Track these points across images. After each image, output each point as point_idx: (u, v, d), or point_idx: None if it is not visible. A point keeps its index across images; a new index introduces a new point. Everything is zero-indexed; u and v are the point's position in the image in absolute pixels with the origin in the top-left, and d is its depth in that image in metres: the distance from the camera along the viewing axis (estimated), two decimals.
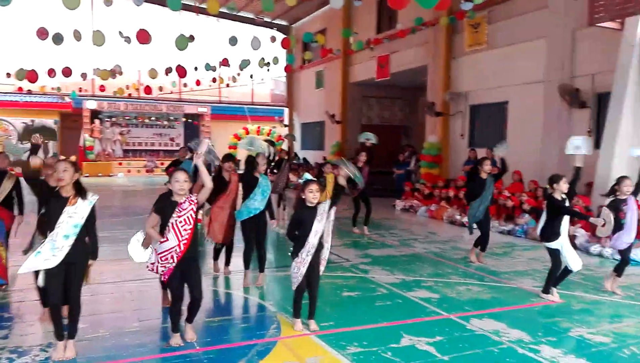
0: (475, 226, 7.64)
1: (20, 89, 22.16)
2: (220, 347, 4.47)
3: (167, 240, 4.31)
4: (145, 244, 4.71)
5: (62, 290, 4.10)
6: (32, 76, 14.08)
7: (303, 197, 4.84)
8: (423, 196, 13.40)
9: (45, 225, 4.18)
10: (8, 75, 17.66)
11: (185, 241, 4.32)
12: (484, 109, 13.99)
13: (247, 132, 26.60)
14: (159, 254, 4.34)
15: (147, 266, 4.49)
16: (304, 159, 22.84)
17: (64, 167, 4.07)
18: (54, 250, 4.00)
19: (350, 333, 4.78)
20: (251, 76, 22.61)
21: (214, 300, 5.91)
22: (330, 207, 4.86)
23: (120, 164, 25.12)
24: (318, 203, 4.81)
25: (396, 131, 21.13)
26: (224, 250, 6.78)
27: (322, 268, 4.92)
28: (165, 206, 4.41)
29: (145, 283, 6.14)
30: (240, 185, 6.36)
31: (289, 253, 4.93)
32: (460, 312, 5.43)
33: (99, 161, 24.64)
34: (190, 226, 4.34)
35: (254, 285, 6.32)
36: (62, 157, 4.41)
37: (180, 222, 4.32)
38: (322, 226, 4.78)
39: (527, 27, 12.13)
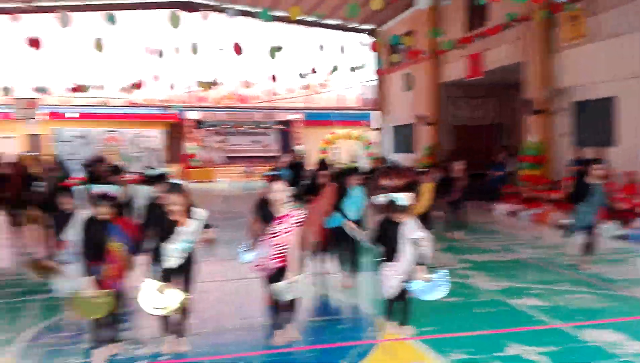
0: (577, 230, 7.17)
1: (131, 102, 24.11)
2: (321, 347, 4.56)
3: (266, 250, 4.44)
4: (253, 247, 4.92)
5: None
6: (140, 86, 15.27)
7: (388, 210, 4.72)
8: (524, 199, 12.75)
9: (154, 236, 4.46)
10: (121, 89, 19.25)
11: (278, 261, 4.41)
12: (589, 106, 13.05)
13: (337, 138, 26.92)
14: (260, 258, 4.51)
15: (253, 266, 4.68)
16: (395, 162, 22.66)
17: (174, 201, 4.26)
18: (165, 256, 4.29)
19: (451, 340, 4.68)
20: (340, 82, 22.88)
21: (315, 301, 6.04)
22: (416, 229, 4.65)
23: (220, 170, 26.42)
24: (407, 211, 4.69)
25: (488, 131, 20.32)
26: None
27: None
28: (264, 214, 4.56)
29: (249, 281, 6.40)
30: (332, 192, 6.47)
31: (375, 258, 4.93)
32: (571, 322, 5.11)
33: (201, 168, 26.11)
34: (284, 247, 4.41)
35: (349, 287, 6.39)
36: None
37: (275, 241, 4.40)
38: (410, 249, 4.63)
39: (636, 16, 11.16)
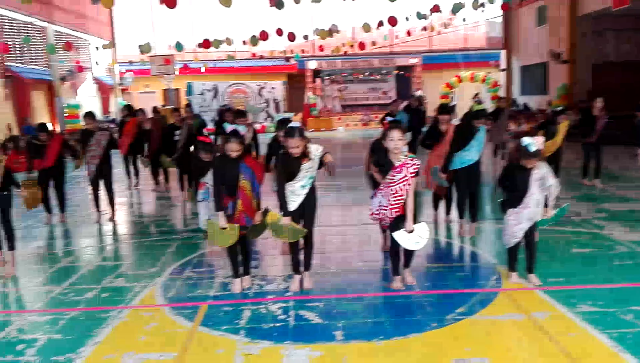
0: None
1: (254, 55, 25.00)
2: (440, 292, 4.55)
3: (384, 198, 4.44)
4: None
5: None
6: (264, 35, 15.65)
7: (517, 156, 4.48)
8: None
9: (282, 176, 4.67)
10: (244, 42, 19.97)
11: (396, 210, 4.40)
12: None
13: (460, 81, 25.63)
14: (378, 205, 4.53)
15: (370, 214, 4.74)
16: (525, 105, 21.12)
17: (296, 144, 4.40)
18: (292, 195, 4.51)
19: (581, 292, 4.39)
20: (464, 20, 21.51)
21: (434, 248, 6.00)
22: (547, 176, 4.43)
23: (339, 119, 26.70)
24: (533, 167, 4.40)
25: (637, 68, 17.98)
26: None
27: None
28: (381, 159, 4.51)
29: (367, 227, 6.51)
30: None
31: (498, 201, 4.71)
32: None
33: (321, 117, 26.59)
34: (402, 197, 4.36)
35: (470, 234, 6.23)
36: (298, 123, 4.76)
37: (392, 190, 4.36)
38: (540, 195, 4.43)
39: None
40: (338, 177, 10.20)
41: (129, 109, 10.97)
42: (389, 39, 24.40)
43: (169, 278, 5.19)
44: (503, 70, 25.60)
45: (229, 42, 18.94)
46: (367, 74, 27.77)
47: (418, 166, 4.42)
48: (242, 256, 4.79)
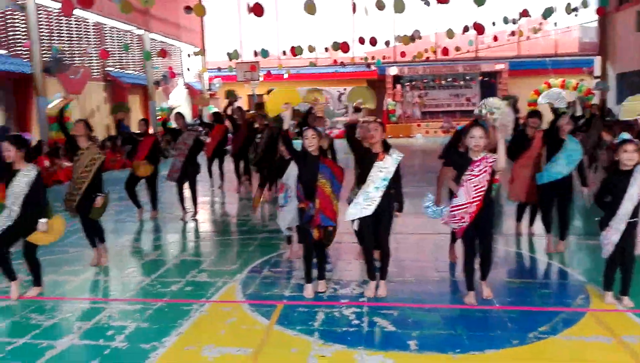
0: None
1: (335, 61, 25.28)
2: (522, 309, 4.36)
3: (457, 196, 4.35)
4: (437, 201, 4.89)
5: (374, 236, 4.63)
6: (345, 47, 15.83)
7: (617, 159, 4.23)
8: None
9: (359, 178, 4.74)
10: (326, 49, 20.24)
11: (477, 203, 4.29)
12: None
13: (549, 87, 24.39)
14: (451, 209, 4.43)
15: (442, 220, 4.65)
16: (609, 111, 19.71)
17: (375, 127, 4.49)
18: (367, 200, 4.52)
19: None
20: (555, 25, 20.48)
21: (516, 262, 5.77)
22: None
23: (419, 125, 26.33)
24: (636, 164, 4.14)
25: None
26: (527, 210, 6.52)
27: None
28: (458, 160, 4.45)
29: (443, 236, 6.38)
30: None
31: (597, 219, 4.43)
32: None
33: (400, 124, 26.36)
34: (483, 188, 4.27)
35: (558, 250, 5.90)
36: (373, 118, 4.86)
37: (473, 183, 4.28)
38: (638, 191, 4.13)
39: None
40: (415, 184, 10.09)
41: (216, 116, 11.48)
42: (474, 44, 23.72)
43: (248, 275, 5.37)
44: (597, 77, 24.08)
45: (311, 49, 19.29)
46: (449, 80, 27.20)
47: (494, 160, 4.28)
48: (317, 259, 4.85)
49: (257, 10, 12.48)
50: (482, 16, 15.91)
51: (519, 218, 6.64)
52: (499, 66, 26.20)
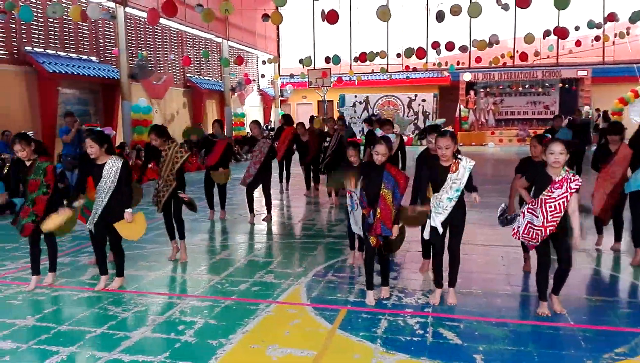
0: None
1: (407, 67, 25.06)
2: (598, 328, 4.11)
3: (536, 216, 4.18)
4: (510, 211, 4.73)
5: (443, 245, 4.56)
6: (420, 54, 15.67)
7: None
8: None
9: (425, 188, 4.65)
10: (398, 55, 20.10)
11: (551, 228, 4.12)
12: None
13: (637, 96, 22.82)
14: (526, 225, 4.26)
15: (513, 233, 4.49)
16: None
17: (447, 145, 4.38)
18: (438, 208, 4.45)
19: None
20: None
21: (594, 278, 5.45)
22: None
23: (492, 133, 25.52)
24: None
25: None
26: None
27: None
28: (537, 175, 4.26)
29: (515, 249, 6.14)
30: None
31: None
32: None
33: (472, 131, 25.67)
34: (560, 215, 4.09)
35: None
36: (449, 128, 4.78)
37: (550, 206, 4.10)
38: None
39: None
40: (486, 195, 9.77)
41: (286, 119, 11.75)
42: (555, 49, 22.67)
43: (312, 279, 5.43)
44: None
45: (383, 55, 19.24)
46: (527, 86, 26.15)
47: (580, 183, 4.08)
48: (380, 266, 4.83)
49: (332, 17, 12.63)
50: (564, 20, 15.19)
51: (599, 230, 6.31)
52: (581, 73, 24.86)
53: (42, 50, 13.43)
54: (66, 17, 13.60)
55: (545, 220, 4.13)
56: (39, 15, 13.04)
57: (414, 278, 5.46)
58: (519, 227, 4.39)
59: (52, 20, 13.50)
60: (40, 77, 12.97)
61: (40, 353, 3.82)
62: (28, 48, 12.96)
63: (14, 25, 12.56)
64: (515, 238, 4.51)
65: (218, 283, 5.40)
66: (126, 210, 5.07)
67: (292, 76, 28.28)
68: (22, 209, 5.15)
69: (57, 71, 13.10)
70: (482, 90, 26.59)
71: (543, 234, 4.16)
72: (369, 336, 4.00)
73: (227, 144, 8.57)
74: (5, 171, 6.07)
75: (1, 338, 4.10)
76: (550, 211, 4.10)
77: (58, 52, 13.98)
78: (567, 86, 25.50)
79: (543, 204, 4.14)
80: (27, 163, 5.12)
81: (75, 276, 5.70)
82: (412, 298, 4.81)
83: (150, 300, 4.94)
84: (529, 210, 4.26)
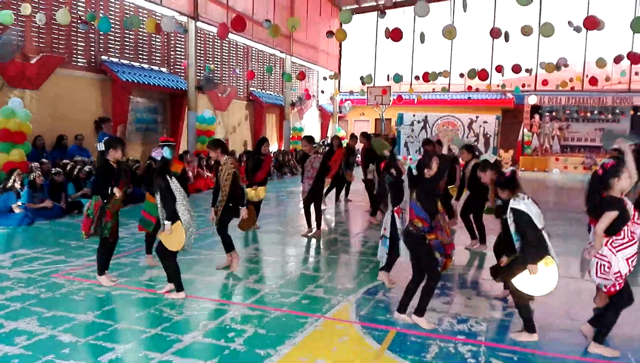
0: None
1: (469, 88, 24.62)
2: None
3: (628, 245, 3.93)
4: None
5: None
6: (483, 75, 15.38)
7: None
8: None
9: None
10: (461, 75, 19.81)
11: (633, 261, 3.90)
12: None
13: None
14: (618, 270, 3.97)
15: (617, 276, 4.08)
16: None
17: (490, 176, 4.32)
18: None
19: None
20: None
21: None
22: None
23: (557, 159, 24.53)
24: None
25: None
26: None
27: None
28: (621, 207, 3.93)
29: (576, 282, 5.84)
30: None
31: None
32: None
33: (535, 156, 24.80)
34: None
35: None
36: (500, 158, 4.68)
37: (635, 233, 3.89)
38: None
39: None
40: (550, 223, 9.37)
41: (338, 140, 11.69)
42: (628, 75, 21.61)
43: (362, 297, 5.39)
44: None
45: (446, 74, 19.02)
46: (595, 112, 25.03)
47: None
48: (422, 291, 4.69)
49: (396, 35, 12.65)
50: (638, 45, 14.49)
51: None
52: None
53: (117, 60, 14.18)
54: (141, 30, 14.31)
55: (627, 255, 3.94)
56: (116, 26, 13.81)
57: (469, 304, 5.30)
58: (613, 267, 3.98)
59: (127, 31, 14.25)
60: (114, 85, 13.67)
61: (96, 349, 3.99)
62: (104, 57, 13.72)
63: (92, 36, 13.34)
64: (619, 287, 4.06)
65: (269, 293, 5.45)
66: (165, 222, 5.10)
67: (351, 92, 28.40)
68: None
69: (130, 80, 13.78)
70: (547, 114, 25.67)
71: (631, 266, 3.95)
72: (418, 360, 3.91)
73: (271, 161, 8.69)
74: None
75: (62, 330, 4.31)
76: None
77: (132, 62, 14.72)
78: (639, 113, 24.21)
79: (631, 234, 3.93)
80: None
81: (135, 276, 5.93)
82: (466, 325, 4.67)
83: (202, 305, 5.05)
84: (624, 246, 3.94)
